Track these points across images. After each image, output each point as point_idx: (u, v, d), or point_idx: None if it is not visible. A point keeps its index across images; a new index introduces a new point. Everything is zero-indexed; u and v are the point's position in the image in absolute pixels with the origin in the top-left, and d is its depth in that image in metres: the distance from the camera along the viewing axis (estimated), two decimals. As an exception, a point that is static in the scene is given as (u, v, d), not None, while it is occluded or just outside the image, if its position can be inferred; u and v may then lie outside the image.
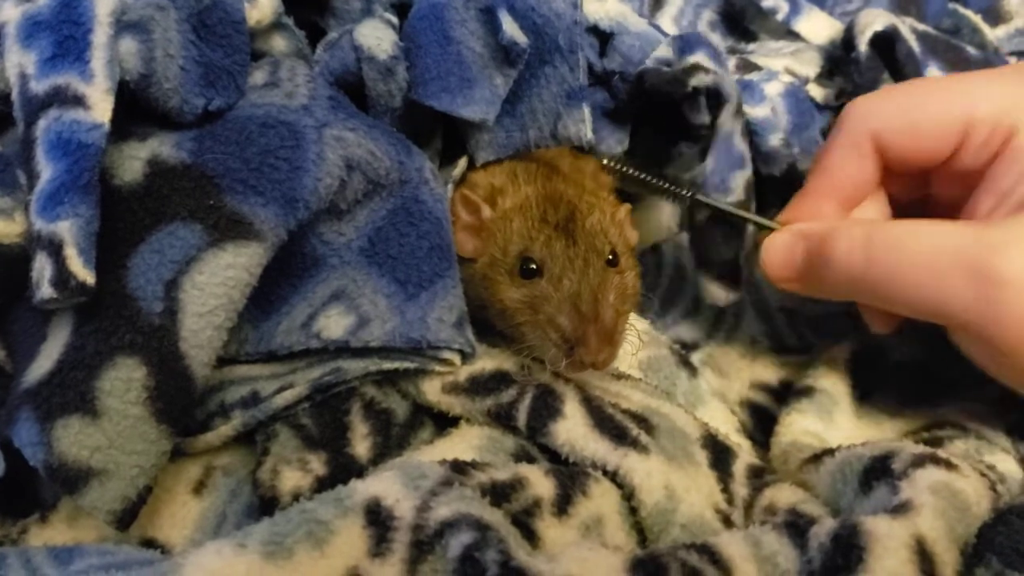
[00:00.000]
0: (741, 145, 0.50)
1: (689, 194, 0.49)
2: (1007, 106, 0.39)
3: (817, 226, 0.43)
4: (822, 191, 0.45)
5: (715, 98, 0.50)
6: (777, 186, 0.53)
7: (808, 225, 0.44)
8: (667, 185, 0.50)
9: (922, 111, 0.41)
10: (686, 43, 0.50)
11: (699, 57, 0.49)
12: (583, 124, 0.46)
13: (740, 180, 0.49)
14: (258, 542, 0.30)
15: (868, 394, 0.50)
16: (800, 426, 0.46)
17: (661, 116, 0.53)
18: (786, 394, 0.50)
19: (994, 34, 0.64)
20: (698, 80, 0.49)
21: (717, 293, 0.52)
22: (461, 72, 0.45)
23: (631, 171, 0.50)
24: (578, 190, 0.47)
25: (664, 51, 0.50)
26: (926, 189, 0.46)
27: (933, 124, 0.41)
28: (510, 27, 0.44)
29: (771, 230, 0.46)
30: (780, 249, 0.44)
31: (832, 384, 0.48)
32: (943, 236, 0.37)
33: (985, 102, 0.40)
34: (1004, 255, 0.35)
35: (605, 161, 0.51)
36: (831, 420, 0.46)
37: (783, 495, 0.40)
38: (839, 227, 0.41)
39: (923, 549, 0.31)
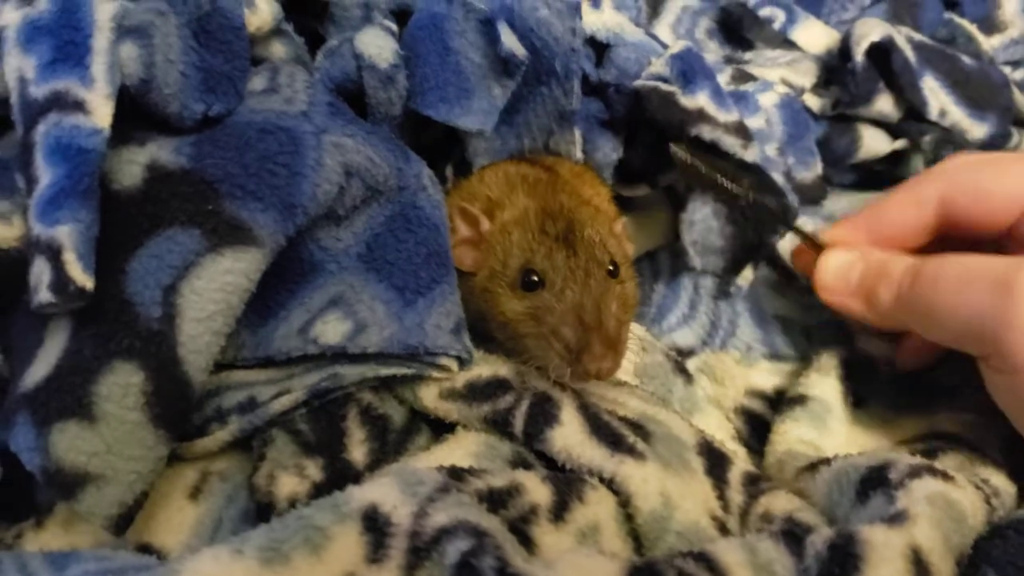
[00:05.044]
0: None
1: (750, 196, 0.48)
2: None
3: (877, 251, 0.45)
4: (866, 226, 0.47)
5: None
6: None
7: (869, 248, 0.46)
8: (727, 184, 0.49)
9: (993, 181, 0.44)
10: (687, 67, 0.49)
11: (703, 101, 0.47)
12: (573, 145, 0.47)
13: None
14: (255, 548, 0.30)
15: (862, 402, 0.50)
16: (794, 434, 0.46)
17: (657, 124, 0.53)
18: (781, 402, 0.50)
19: (989, 43, 0.65)
20: (698, 131, 0.48)
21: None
22: (459, 82, 0.45)
23: (697, 163, 0.48)
24: (576, 200, 0.47)
25: (660, 68, 0.49)
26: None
27: (1002, 194, 0.43)
28: (509, 39, 0.44)
29: (815, 245, 0.48)
30: (838, 265, 0.46)
31: (825, 392, 0.48)
32: (980, 260, 0.40)
33: None
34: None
35: (672, 147, 0.48)
36: (825, 428, 0.47)
37: (779, 503, 0.40)
38: (896, 257, 0.44)
39: (919, 559, 0.31)
